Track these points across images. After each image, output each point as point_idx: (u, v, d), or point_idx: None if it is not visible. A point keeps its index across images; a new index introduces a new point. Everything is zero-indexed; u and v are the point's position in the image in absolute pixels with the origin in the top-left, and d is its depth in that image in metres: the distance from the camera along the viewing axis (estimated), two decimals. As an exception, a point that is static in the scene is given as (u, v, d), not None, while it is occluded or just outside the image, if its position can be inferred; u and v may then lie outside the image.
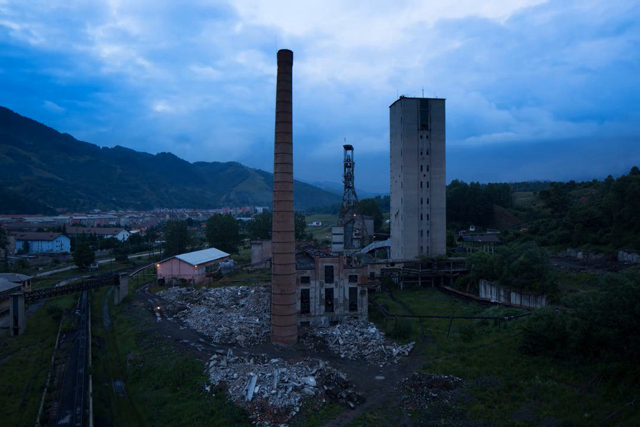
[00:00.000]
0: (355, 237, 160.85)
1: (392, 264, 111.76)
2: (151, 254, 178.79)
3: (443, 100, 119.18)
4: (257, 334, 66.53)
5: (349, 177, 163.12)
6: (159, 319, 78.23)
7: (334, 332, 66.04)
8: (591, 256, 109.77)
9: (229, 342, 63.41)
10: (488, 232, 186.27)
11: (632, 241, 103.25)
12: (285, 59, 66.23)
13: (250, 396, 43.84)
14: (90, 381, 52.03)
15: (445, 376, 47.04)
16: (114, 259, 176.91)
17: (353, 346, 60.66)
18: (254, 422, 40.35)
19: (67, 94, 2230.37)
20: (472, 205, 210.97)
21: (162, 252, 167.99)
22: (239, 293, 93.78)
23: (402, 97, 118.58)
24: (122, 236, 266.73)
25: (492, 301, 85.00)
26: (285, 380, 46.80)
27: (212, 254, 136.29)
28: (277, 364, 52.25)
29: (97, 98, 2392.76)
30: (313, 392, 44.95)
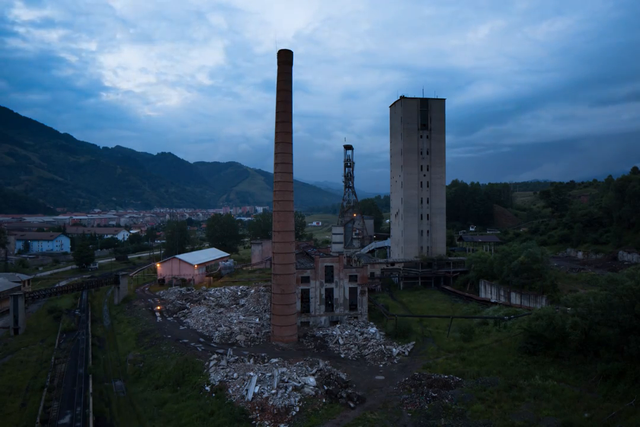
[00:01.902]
0: (355, 237, 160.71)
1: (392, 264, 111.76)
2: (151, 254, 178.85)
3: (443, 100, 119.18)
4: (257, 333, 66.53)
5: (349, 177, 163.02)
6: (159, 319, 78.23)
7: (334, 332, 66.05)
8: (591, 256, 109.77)
9: (229, 342, 63.42)
10: (488, 232, 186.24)
11: (632, 241, 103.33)
12: (285, 59, 66.27)
13: (250, 396, 43.84)
14: (90, 381, 52.04)
15: (445, 376, 47.04)
16: (114, 259, 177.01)
17: (353, 345, 60.66)
18: (254, 422, 40.34)
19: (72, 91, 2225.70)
20: (472, 205, 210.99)
21: (162, 252, 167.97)
22: (239, 293, 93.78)
23: (402, 97, 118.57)
24: (122, 235, 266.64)
25: (492, 300, 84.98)
26: (285, 380, 46.81)
27: (212, 254, 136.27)
28: (277, 364, 52.27)
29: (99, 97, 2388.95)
30: (313, 392, 44.95)
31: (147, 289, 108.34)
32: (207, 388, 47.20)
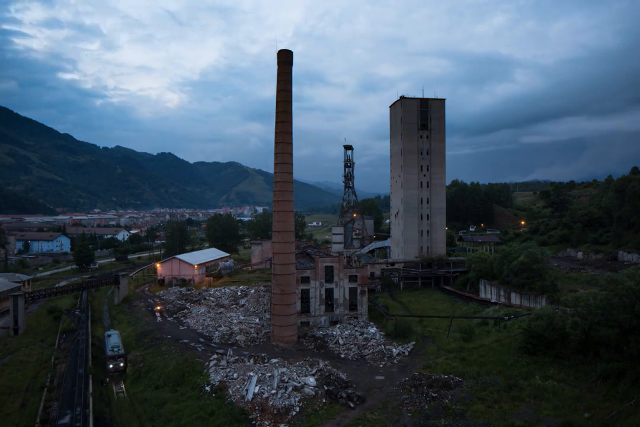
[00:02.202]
0: (355, 237, 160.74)
1: (392, 264, 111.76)
2: (151, 254, 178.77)
3: (443, 100, 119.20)
4: (257, 334, 66.54)
5: (349, 177, 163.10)
6: (159, 319, 78.23)
7: (334, 332, 66.05)
8: (591, 256, 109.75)
9: (229, 342, 63.43)
10: (488, 232, 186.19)
11: (632, 241, 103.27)
12: (285, 59, 66.29)
13: (250, 396, 43.85)
14: (90, 381, 52.03)
15: (445, 376, 47.03)
16: (114, 259, 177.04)
17: (353, 346, 60.66)
18: (254, 422, 40.35)
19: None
20: (472, 205, 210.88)
21: (162, 252, 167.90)
22: (239, 293, 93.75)
23: (402, 97, 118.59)
24: (122, 235, 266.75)
25: (492, 301, 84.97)
26: (285, 380, 46.81)
27: (212, 254, 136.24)
28: (277, 364, 52.26)
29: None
30: (313, 392, 44.95)
31: (147, 289, 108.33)
32: (207, 388, 47.21)
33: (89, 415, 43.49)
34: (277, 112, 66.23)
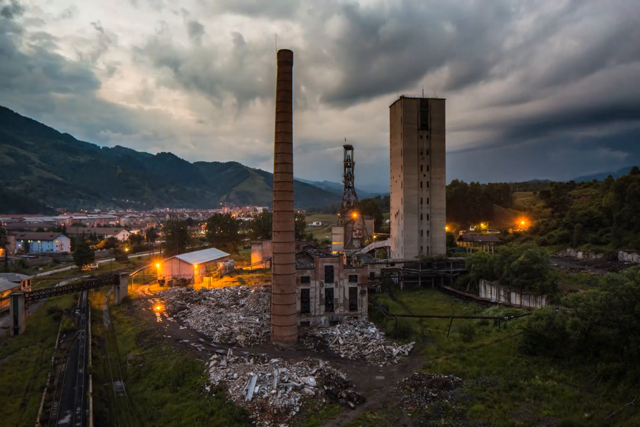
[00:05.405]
0: (355, 237, 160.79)
1: (392, 264, 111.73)
2: (151, 254, 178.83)
3: (443, 100, 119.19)
4: (257, 334, 66.54)
5: (349, 177, 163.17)
6: (159, 319, 78.26)
7: (334, 332, 66.06)
8: (591, 256, 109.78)
9: (229, 342, 63.43)
10: (488, 232, 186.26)
11: (632, 241, 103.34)
12: (285, 59, 66.28)
13: (250, 396, 43.86)
14: (90, 381, 52.02)
15: (445, 376, 47.03)
16: (114, 259, 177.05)
17: (353, 346, 60.66)
18: (254, 422, 40.38)
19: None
20: (472, 205, 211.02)
21: (162, 252, 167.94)
22: (239, 293, 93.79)
23: (402, 97, 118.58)
24: (122, 235, 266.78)
25: (492, 301, 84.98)
26: (285, 380, 46.83)
27: (212, 254, 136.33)
28: (277, 364, 52.28)
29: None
30: (313, 392, 44.96)
31: (147, 289, 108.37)
32: (207, 388, 47.26)
33: (89, 415, 43.49)
34: (277, 112, 66.22)
